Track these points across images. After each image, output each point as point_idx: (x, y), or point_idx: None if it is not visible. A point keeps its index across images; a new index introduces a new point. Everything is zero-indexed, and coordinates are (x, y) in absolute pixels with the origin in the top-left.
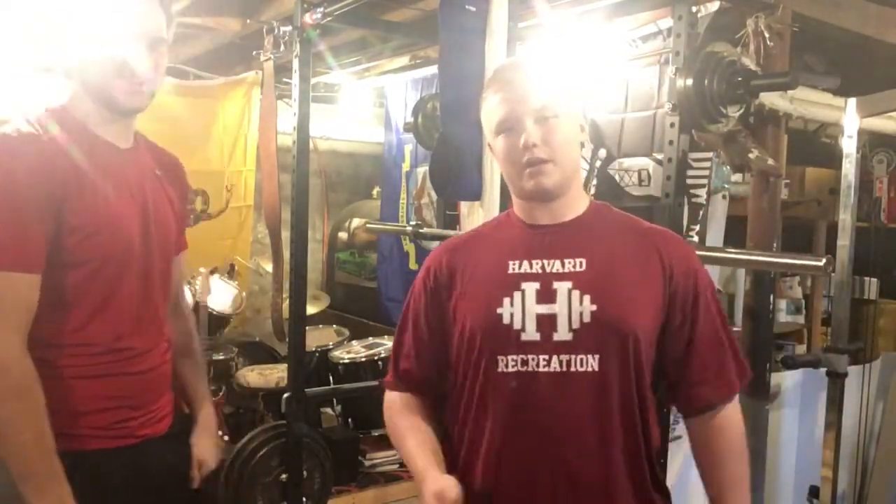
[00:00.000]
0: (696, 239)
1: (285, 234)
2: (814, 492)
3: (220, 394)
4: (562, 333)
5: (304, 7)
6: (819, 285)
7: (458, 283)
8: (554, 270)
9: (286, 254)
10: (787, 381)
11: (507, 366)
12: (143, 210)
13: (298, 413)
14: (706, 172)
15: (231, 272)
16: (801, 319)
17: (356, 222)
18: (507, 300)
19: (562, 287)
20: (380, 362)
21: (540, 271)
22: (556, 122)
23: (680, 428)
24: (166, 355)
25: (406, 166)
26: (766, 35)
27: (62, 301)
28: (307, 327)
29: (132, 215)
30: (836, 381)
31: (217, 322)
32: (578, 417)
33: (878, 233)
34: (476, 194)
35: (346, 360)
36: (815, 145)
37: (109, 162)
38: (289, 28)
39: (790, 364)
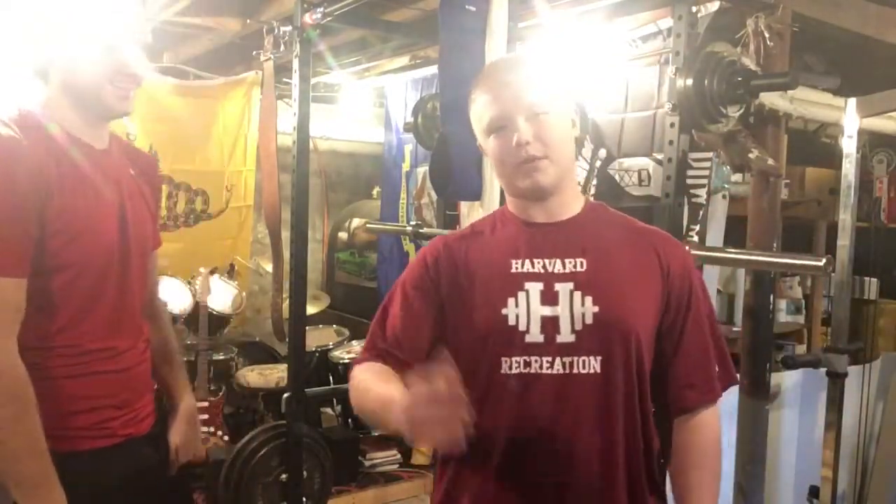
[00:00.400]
0: (696, 239)
1: (285, 234)
2: (814, 492)
3: (221, 394)
4: (565, 335)
5: (304, 7)
6: (819, 285)
7: (459, 279)
8: (555, 270)
9: (286, 254)
10: (787, 381)
11: (510, 367)
12: (121, 210)
13: (298, 413)
14: (706, 172)
15: (231, 272)
16: (801, 319)
17: (356, 222)
18: (511, 301)
19: (564, 288)
20: None
21: (542, 271)
22: (547, 118)
23: None
24: (145, 353)
25: (406, 166)
26: (766, 35)
27: (48, 304)
28: (307, 327)
29: (111, 216)
30: (836, 381)
31: (217, 322)
32: (580, 420)
33: (878, 233)
34: (476, 194)
35: (346, 360)
36: (815, 145)
37: (88, 163)
38: (289, 28)
39: (790, 364)
